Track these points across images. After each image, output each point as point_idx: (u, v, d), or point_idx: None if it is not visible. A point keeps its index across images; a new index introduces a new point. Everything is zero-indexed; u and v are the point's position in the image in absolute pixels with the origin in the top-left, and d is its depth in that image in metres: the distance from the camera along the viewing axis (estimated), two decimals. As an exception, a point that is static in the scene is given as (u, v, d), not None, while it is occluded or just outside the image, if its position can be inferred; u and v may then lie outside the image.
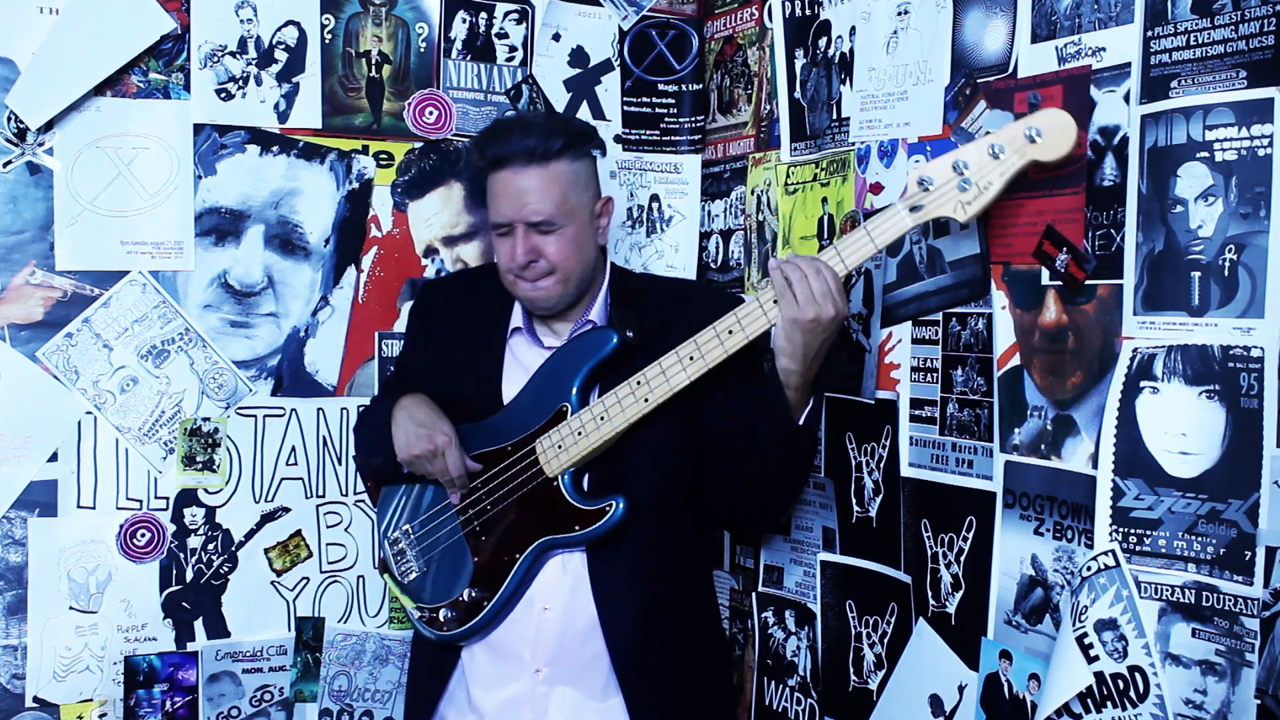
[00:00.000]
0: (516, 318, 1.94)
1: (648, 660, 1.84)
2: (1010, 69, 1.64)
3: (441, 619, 1.89)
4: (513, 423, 1.87)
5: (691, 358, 1.73)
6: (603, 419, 1.78)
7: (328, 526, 2.21)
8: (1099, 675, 1.40)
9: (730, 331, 1.72)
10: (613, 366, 1.82)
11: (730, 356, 1.73)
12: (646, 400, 1.76)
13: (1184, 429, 1.37)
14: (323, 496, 2.21)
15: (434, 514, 1.94)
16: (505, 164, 1.83)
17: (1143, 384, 1.41)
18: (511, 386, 1.91)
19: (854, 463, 1.92)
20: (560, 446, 1.81)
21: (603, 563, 1.82)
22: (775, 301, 1.68)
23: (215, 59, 2.08)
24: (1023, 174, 1.56)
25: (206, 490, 2.12)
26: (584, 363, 1.83)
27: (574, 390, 1.82)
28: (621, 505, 1.78)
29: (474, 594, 1.86)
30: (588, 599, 1.82)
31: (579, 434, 1.80)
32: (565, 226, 1.83)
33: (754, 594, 2.18)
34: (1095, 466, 1.45)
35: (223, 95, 2.09)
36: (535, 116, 1.90)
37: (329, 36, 2.16)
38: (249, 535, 2.15)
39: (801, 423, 1.77)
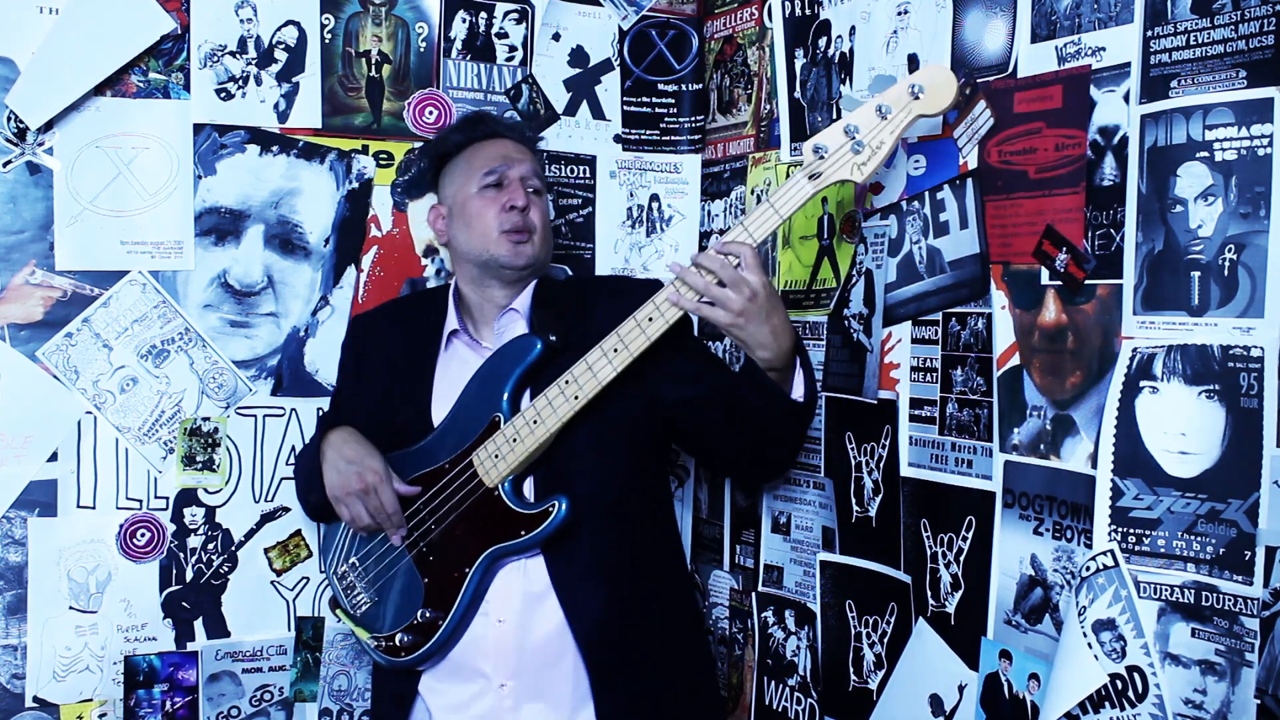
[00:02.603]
0: (452, 320, 1.96)
1: (619, 656, 1.83)
2: (1010, 69, 1.64)
3: (399, 644, 1.87)
4: (447, 441, 1.87)
5: (615, 349, 1.76)
6: (536, 422, 1.79)
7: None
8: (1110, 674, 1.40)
9: (650, 319, 1.75)
10: (540, 370, 1.83)
11: (661, 336, 1.76)
12: (576, 398, 1.77)
13: (1184, 429, 1.37)
14: (323, 496, 2.20)
15: (379, 543, 1.93)
16: (497, 136, 1.98)
17: (1142, 384, 1.41)
18: (441, 404, 1.91)
19: (854, 462, 1.92)
20: (497, 456, 1.81)
21: (561, 562, 1.82)
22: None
23: (215, 59, 2.08)
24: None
25: (206, 490, 2.12)
26: (511, 371, 1.84)
27: (504, 399, 1.83)
28: (564, 504, 1.78)
29: (428, 614, 1.85)
30: (541, 608, 1.81)
31: (514, 441, 1.80)
32: (544, 197, 1.98)
33: (754, 594, 2.18)
34: (1094, 466, 1.45)
35: (222, 95, 2.09)
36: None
37: (329, 36, 2.16)
38: (249, 535, 2.15)
39: (802, 399, 1.82)
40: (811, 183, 1.70)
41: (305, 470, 2.00)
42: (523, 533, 1.80)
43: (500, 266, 1.90)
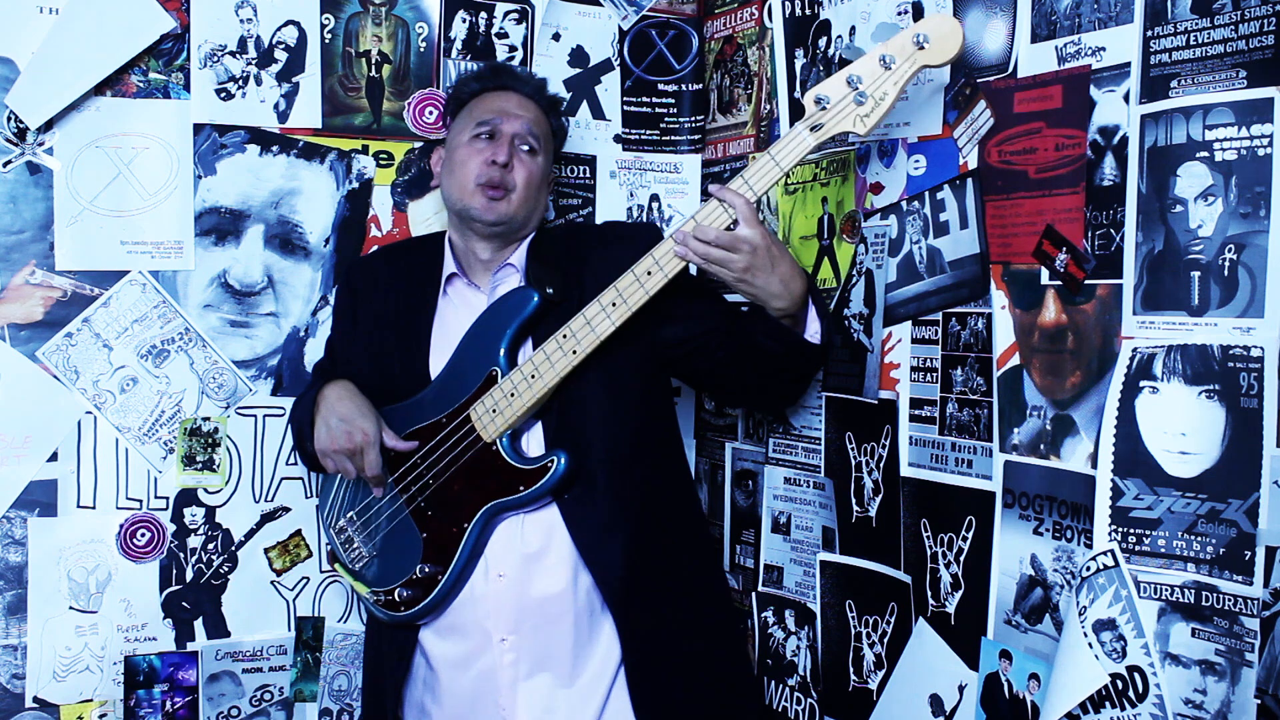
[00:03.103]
0: (450, 264, 1.96)
1: (645, 605, 1.83)
2: (1010, 69, 1.64)
3: (398, 599, 1.88)
4: (444, 395, 1.87)
5: (614, 304, 1.75)
6: (533, 377, 1.79)
7: (328, 526, 2.21)
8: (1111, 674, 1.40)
9: (649, 273, 1.75)
10: (538, 322, 1.83)
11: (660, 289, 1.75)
12: (575, 352, 1.77)
13: (1184, 429, 1.37)
14: (323, 496, 2.21)
15: (376, 497, 1.92)
16: (509, 89, 1.99)
17: (1142, 384, 1.41)
18: (439, 352, 1.91)
19: (854, 462, 1.92)
20: (495, 411, 1.81)
21: (578, 513, 1.81)
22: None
23: (215, 59, 2.08)
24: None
25: (206, 490, 2.12)
26: (508, 325, 1.83)
27: (501, 353, 1.82)
28: (563, 459, 1.78)
29: (427, 569, 1.85)
30: (540, 563, 1.82)
31: (511, 396, 1.80)
32: (538, 157, 1.94)
33: (754, 594, 2.18)
34: (1094, 466, 1.45)
35: (223, 95, 2.09)
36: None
37: (329, 36, 2.16)
38: (249, 535, 2.15)
39: (819, 341, 1.81)
40: (813, 134, 1.68)
41: (299, 421, 2.00)
42: (521, 488, 1.80)
43: (472, 219, 1.91)
